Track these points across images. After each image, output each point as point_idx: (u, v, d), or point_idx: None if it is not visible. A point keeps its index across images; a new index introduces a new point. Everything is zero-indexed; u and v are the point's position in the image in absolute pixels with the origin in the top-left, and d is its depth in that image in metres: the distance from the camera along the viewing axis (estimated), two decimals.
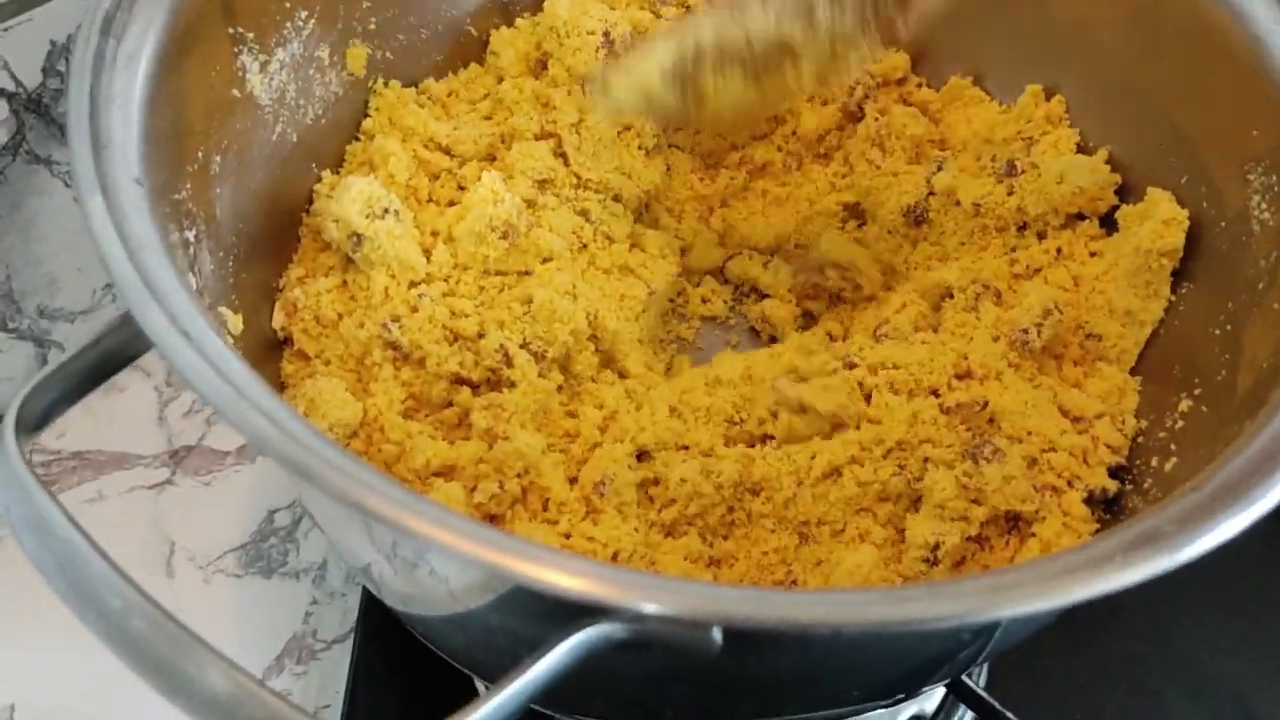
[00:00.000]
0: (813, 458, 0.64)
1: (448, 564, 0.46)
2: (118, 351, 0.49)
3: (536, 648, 0.41)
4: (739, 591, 0.40)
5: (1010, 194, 0.72)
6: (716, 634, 0.40)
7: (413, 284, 0.68)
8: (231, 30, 0.62)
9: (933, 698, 0.72)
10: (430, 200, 0.73)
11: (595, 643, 0.41)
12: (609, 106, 0.68)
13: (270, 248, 0.68)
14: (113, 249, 0.46)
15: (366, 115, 0.74)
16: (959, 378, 0.67)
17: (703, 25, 0.65)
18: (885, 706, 0.61)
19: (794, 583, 0.61)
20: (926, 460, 0.63)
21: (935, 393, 0.66)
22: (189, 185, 0.58)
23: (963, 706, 0.70)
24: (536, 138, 0.74)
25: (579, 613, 0.40)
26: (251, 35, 0.64)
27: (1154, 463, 0.62)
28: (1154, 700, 0.75)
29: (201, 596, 0.77)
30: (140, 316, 0.44)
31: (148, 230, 0.48)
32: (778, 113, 0.79)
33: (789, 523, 0.63)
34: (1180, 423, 0.61)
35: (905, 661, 0.53)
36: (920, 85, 0.81)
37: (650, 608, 0.39)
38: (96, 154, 0.49)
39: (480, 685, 0.69)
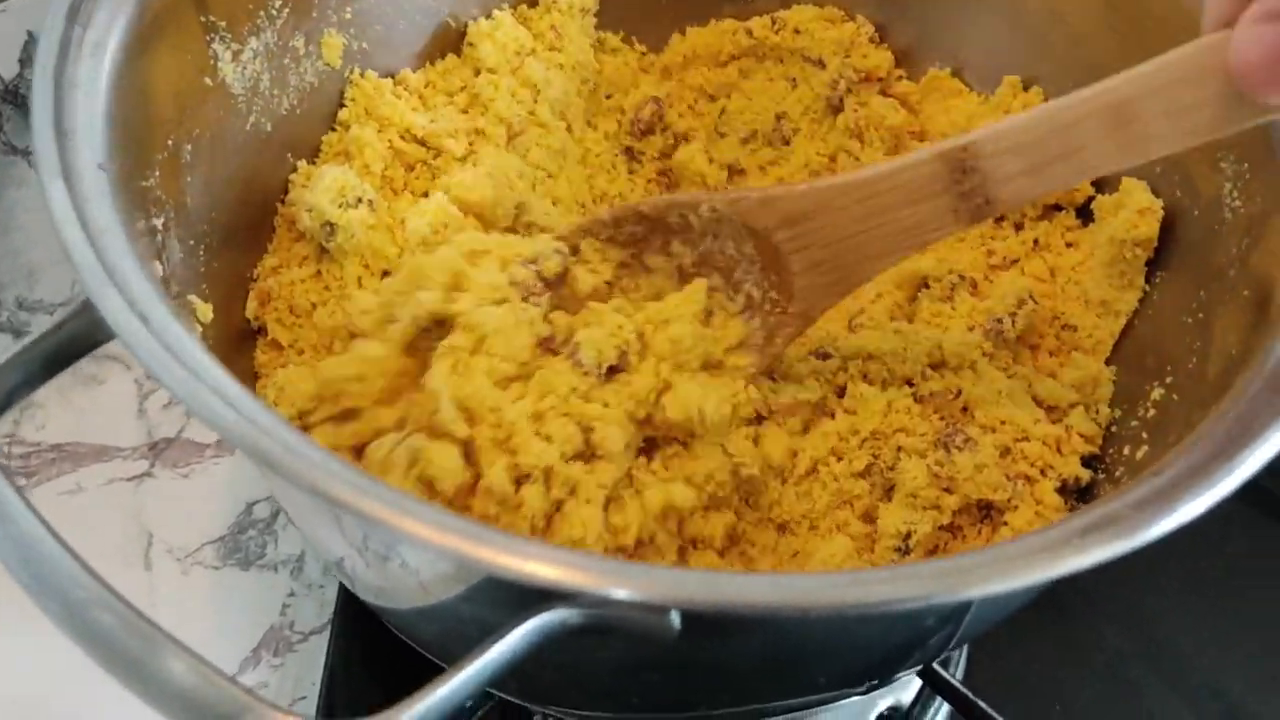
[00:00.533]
0: (794, 456, 0.64)
1: (415, 554, 0.46)
2: (81, 337, 0.49)
3: (500, 630, 0.41)
4: (692, 574, 0.40)
5: None
6: (674, 618, 0.40)
7: (385, 273, 0.68)
8: (203, 18, 0.62)
9: (909, 689, 0.72)
10: (406, 190, 0.73)
11: (551, 627, 0.40)
12: None
13: (244, 237, 0.68)
14: (72, 233, 0.46)
15: (342, 105, 0.74)
16: (933, 367, 0.66)
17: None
18: (859, 694, 0.61)
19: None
20: (899, 449, 0.63)
21: (910, 382, 0.66)
22: (158, 173, 0.58)
23: (939, 698, 0.70)
24: (510, 136, 0.74)
25: (537, 598, 0.40)
26: (223, 24, 0.64)
27: (1126, 451, 0.62)
28: (1132, 690, 0.75)
29: (180, 588, 0.77)
30: (98, 300, 0.44)
31: (109, 216, 0.48)
32: None
33: (770, 521, 0.63)
34: (1152, 411, 0.61)
35: (872, 647, 0.53)
36: (900, 78, 0.81)
37: (603, 591, 0.39)
38: (60, 139, 0.49)
39: None
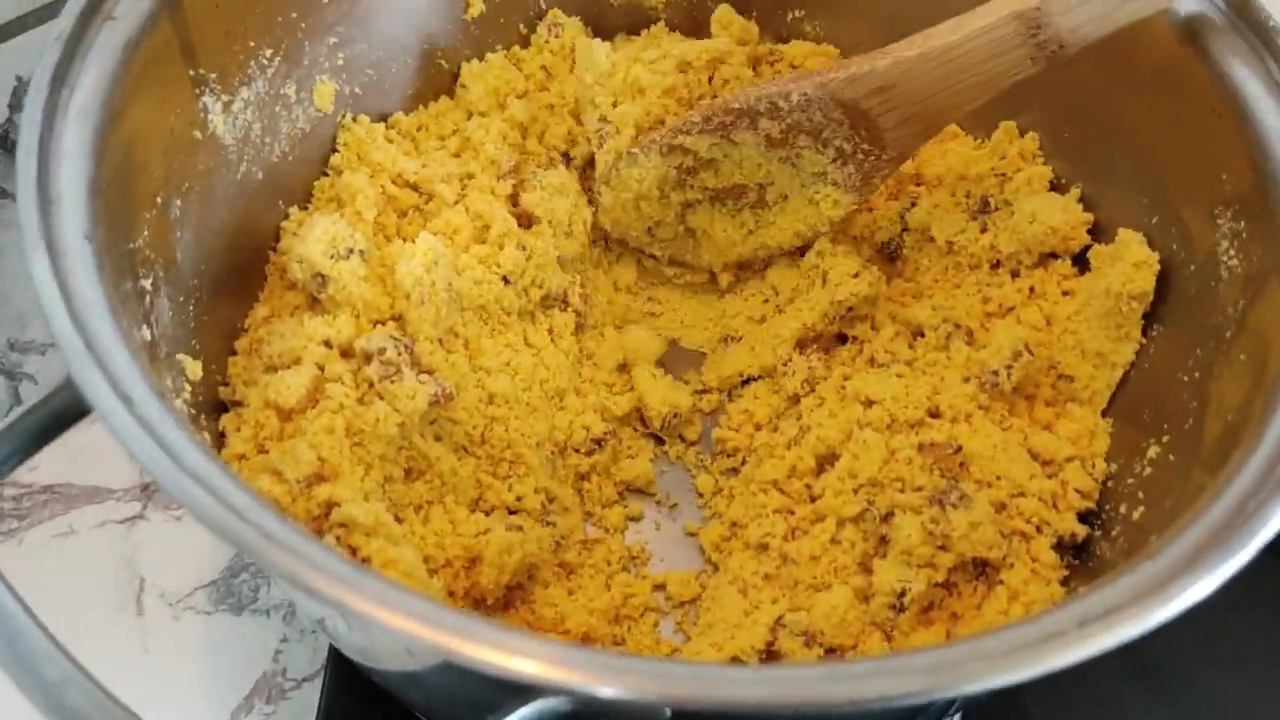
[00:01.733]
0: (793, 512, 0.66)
1: (403, 642, 0.46)
2: (68, 409, 0.48)
3: (493, 709, 0.41)
4: (681, 669, 0.39)
5: (984, 231, 0.71)
6: (666, 710, 0.40)
7: (377, 323, 0.67)
8: (192, 72, 0.62)
9: None
10: (398, 236, 0.72)
11: (542, 715, 0.40)
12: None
13: (235, 286, 0.68)
14: (56, 310, 0.45)
15: (335, 150, 0.74)
16: (931, 415, 0.66)
17: (694, 143, 0.71)
18: None
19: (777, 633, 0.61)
20: (894, 503, 0.62)
21: (913, 427, 0.66)
22: (146, 232, 0.57)
23: None
24: (499, 178, 0.73)
25: (529, 687, 0.40)
26: (214, 76, 0.63)
27: (1122, 510, 0.61)
28: (1124, 706, 0.74)
29: (172, 634, 0.77)
30: (80, 380, 0.44)
31: (95, 288, 0.48)
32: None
33: (774, 561, 0.64)
34: (1149, 470, 0.61)
35: None
36: None
37: (593, 690, 0.38)
38: (44, 210, 0.49)
39: None
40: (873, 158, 0.70)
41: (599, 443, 0.71)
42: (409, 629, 0.39)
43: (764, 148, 0.71)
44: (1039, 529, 0.62)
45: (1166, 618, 0.41)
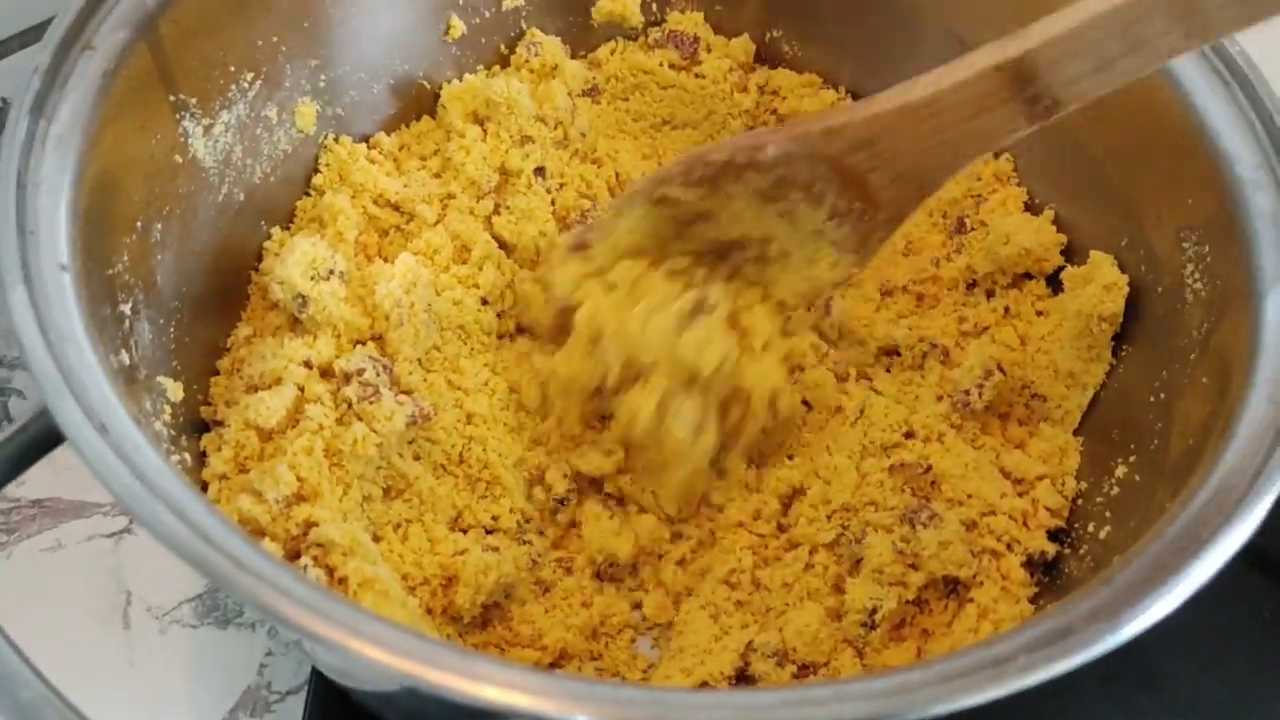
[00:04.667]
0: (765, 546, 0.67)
1: (370, 669, 0.47)
2: (44, 437, 0.49)
3: None
4: (646, 694, 0.40)
5: (959, 251, 0.72)
6: None
7: (358, 343, 0.68)
8: (172, 98, 0.62)
9: None
10: (379, 256, 0.73)
11: None
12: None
13: (217, 308, 0.68)
14: (33, 342, 0.46)
15: (317, 170, 0.74)
16: (906, 436, 0.67)
17: (680, 193, 0.66)
18: None
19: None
20: (867, 524, 0.63)
21: (886, 450, 0.66)
22: (126, 257, 0.58)
23: None
24: (479, 198, 0.74)
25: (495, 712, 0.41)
26: (194, 100, 0.64)
27: (1090, 528, 0.62)
28: (1109, 709, 0.75)
29: (157, 647, 0.77)
30: (56, 410, 0.45)
31: (71, 320, 0.48)
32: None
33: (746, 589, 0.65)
34: (1116, 489, 0.61)
35: None
36: None
37: (561, 717, 0.39)
38: (22, 241, 0.49)
39: None
40: (868, 217, 0.63)
41: (562, 502, 0.70)
42: (375, 656, 0.40)
43: (756, 201, 0.65)
44: (1009, 547, 0.63)
45: (1119, 642, 0.42)
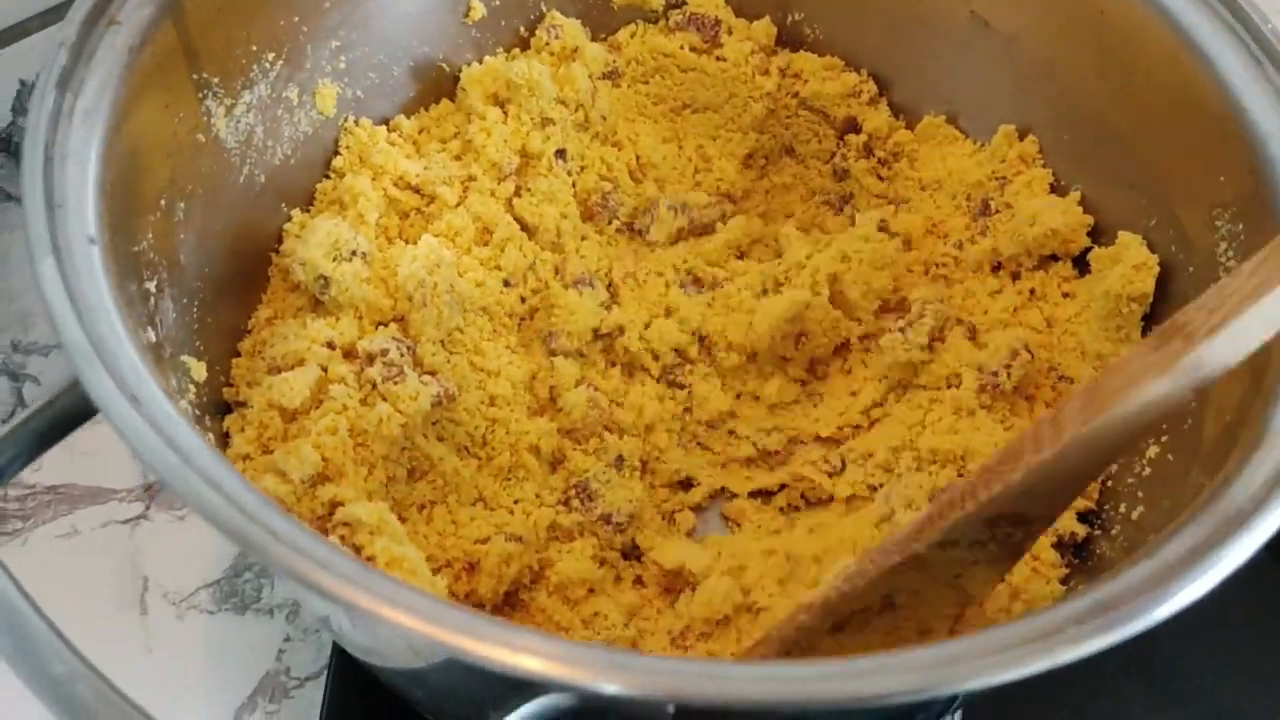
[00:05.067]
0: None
1: (409, 639, 0.46)
2: (73, 411, 0.49)
3: (498, 707, 0.41)
4: (691, 667, 0.39)
5: (984, 234, 0.72)
6: (669, 705, 0.40)
7: (380, 324, 0.67)
8: (195, 76, 0.62)
9: None
10: (400, 238, 0.72)
11: (546, 711, 0.41)
12: None
13: (238, 289, 0.68)
14: (63, 313, 0.46)
15: (337, 153, 0.74)
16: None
17: None
18: None
19: None
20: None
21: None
22: (150, 235, 0.57)
23: None
24: (500, 180, 0.74)
25: (533, 684, 0.40)
26: (216, 80, 0.64)
27: (1122, 509, 0.61)
28: (1126, 705, 0.74)
29: (175, 633, 0.77)
30: (88, 382, 0.44)
31: (101, 291, 0.48)
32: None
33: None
34: (1148, 470, 0.61)
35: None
36: (896, 123, 0.81)
37: (600, 686, 0.39)
38: (50, 214, 0.49)
39: None
40: (1020, 532, 0.53)
41: (583, 487, 0.69)
42: (414, 626, 0.39)
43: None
44: None
45: (1164, 616, 0.41)
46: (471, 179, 0.74)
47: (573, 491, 0.68)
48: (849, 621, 0.56)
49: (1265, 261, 0.46)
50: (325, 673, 0.75)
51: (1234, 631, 0.77)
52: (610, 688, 0.39)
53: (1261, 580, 0.78)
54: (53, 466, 0.83)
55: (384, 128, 0.75)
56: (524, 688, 0.41)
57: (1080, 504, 0.63)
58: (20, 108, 0.74)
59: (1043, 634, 0.41)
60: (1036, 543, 0.61)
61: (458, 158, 0.75)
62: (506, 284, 0.71)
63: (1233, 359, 0.46)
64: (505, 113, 0.76)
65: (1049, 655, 0.40)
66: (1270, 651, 0.77)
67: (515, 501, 0.67)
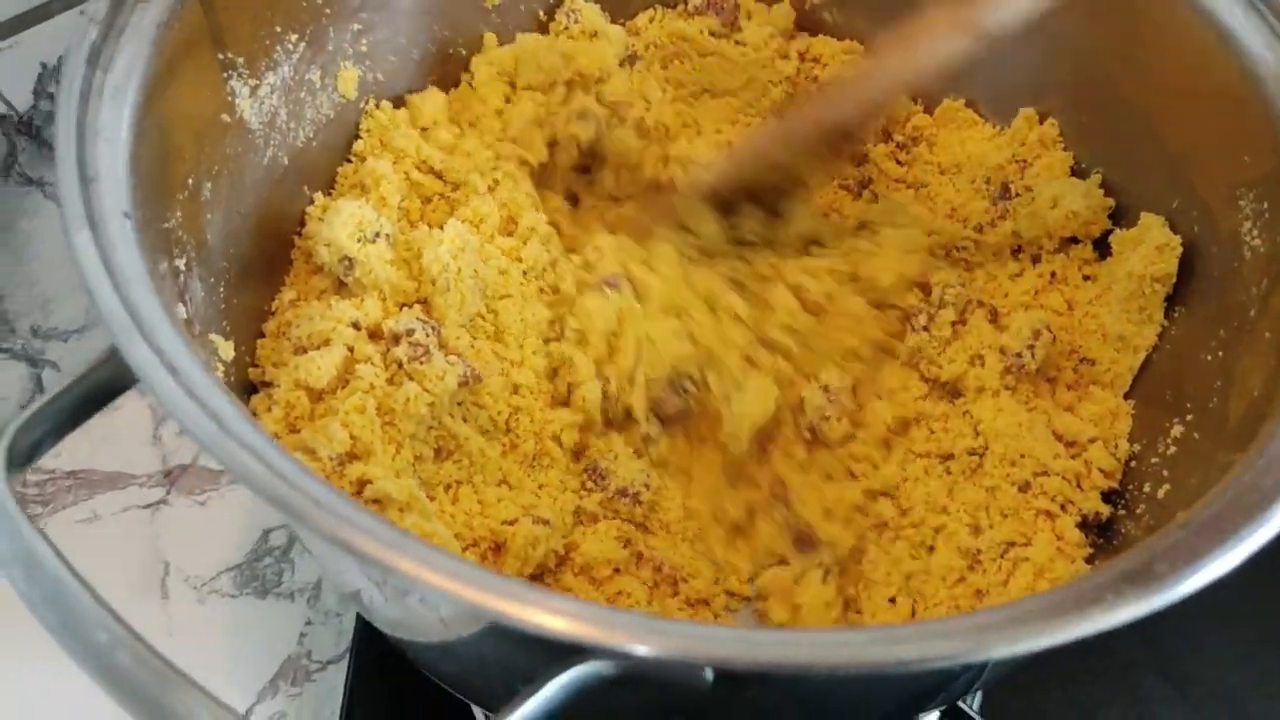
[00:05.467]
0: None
1: (452, 605, 0.46)
2: (106, 384, 0.49)
3: (530, 679, 0.41)
4: (729, 632, 0.39)
5: (1004, 218, 0.72)
6: (708, 672, 0.40)
7: (404, 305, 0.68)
8: (221, 56, 0.62)
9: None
10: (423, 221, 0.72)
11: (587, 679, 0.41)
12: None
13: (262, 271, 0.68)
14: (100, 284, 0.46)
15: (358, 137, 0.74)
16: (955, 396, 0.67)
17: None
18: None
19: None
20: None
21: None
22: (179, 213, 0.58)
23: None
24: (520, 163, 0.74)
25: (570, 650, 0.40)
26: (241, 60, 0.64)
27: (1146, 488, 0.62)
28: (1149, 710, 0.75)
29: (196, 617, 0.77)
30: (127, 352, 0.44)
31: (135, 263, 0.48)
32: None
33: None
34: (1173, 448, 0.61)
35: (900, 693, 0.53)
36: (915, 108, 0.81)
37: (639, 649, 0.39)
38: (84, 188, 0.49)
39: (476, 710, 0.69)
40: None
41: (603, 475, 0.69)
42: (456, 590, 0.39)
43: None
44: (1063, 507, 0.62)
45: (1196, 587, 0.42)
46: (497, 162, 0.74)
47: (586, 475, 0.68)
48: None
49: None
50: (347, 656, 0.75)
51: (1249, 627, 0.78)
52: (650, 650, 0.39)
53: (1277, 576, 0.79)
54: (73, 452, 0.84)
55: (404, 111, 0.75)
56: (560, 656, 0.41)
57: (1103, 484, 0.63)
58: (42, 90, 0.74)
59: (1082, 600, 0.41)
60: (1060, 521, 0.62)
61: (488, 147, 0.75)
62: (526, 275, 0.71)
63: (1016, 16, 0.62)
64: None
65: (1088, 621, 0.40)
66: (1273, 651, 0.77)
67: (540, 486, 0.67)
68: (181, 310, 0.54)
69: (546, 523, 0.64)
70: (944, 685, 0.53)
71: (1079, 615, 0.40)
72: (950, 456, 0.66)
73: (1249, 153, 0.60)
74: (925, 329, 0.69)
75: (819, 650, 0.39)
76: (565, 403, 0.69)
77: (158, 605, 0.78)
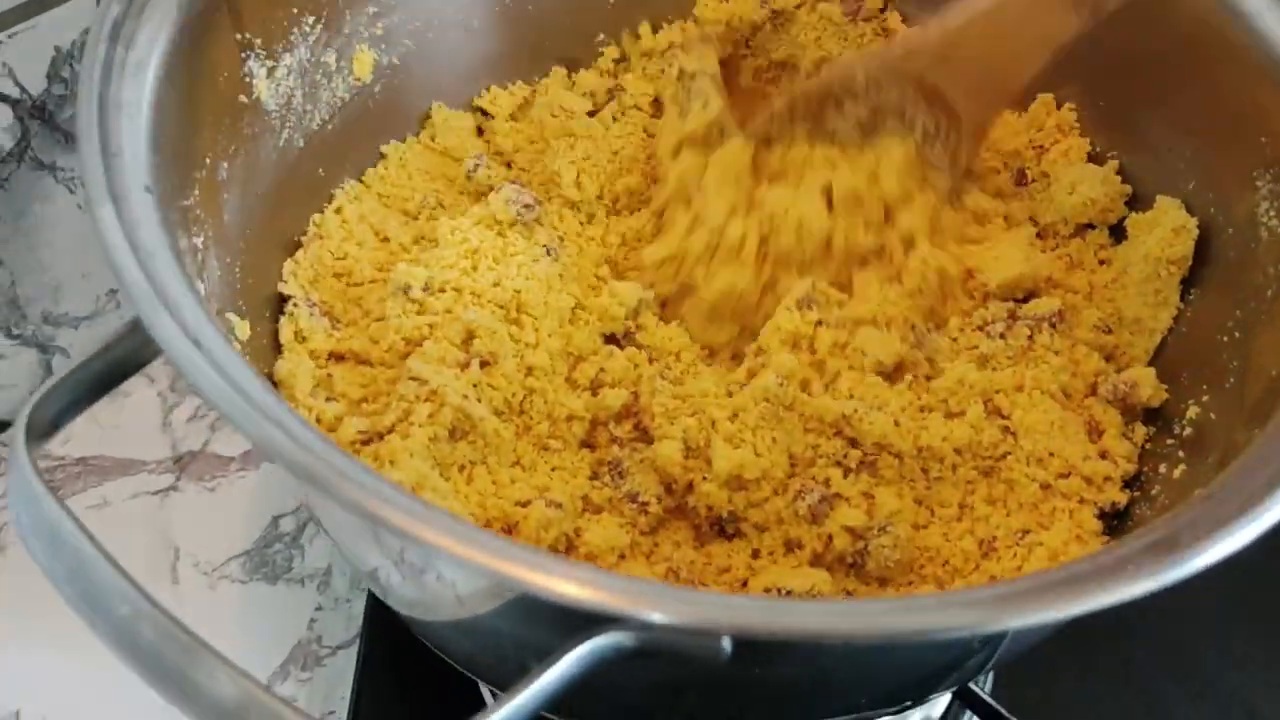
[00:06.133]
0: None
1: (456, 570, 0.46)
2: (126, 359, 0.49)
3: (544, 655, 0.41)
4: (749, 601, 0.40)
5: (1020, 202, 0.72)
6: (726, 643, 0.40)
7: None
8: (239, 36, 0.62)
9: (939, 703, 0.72)
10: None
11: (604, 651, 0.40)
12: None
13: (276, 254, 0.68)
14: (124, 257, 0.46)
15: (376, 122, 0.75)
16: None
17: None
18: (893, 713, 0.61)
19: None
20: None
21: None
22: (197, 191, 0.58)
23: (969, 712, 0.70)
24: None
25: (587, 621, 0.40)
26: (259, 41, 0.64)
27: (1162, 470, 0.61)
28: (1159, 704, 0.75)
29: (206, 603, 0.77)
30: (151, 324, 0.44)
31: (157, 238, 0.48)
32: None
33: None
34: (1189, 430, 0.61)
35: (914, 670, 0.53)
36: None
37: (660, 617, 0.39)
38: (106, 162, 0.49)
39: (486, 691, 0.69)
40: (954, 133, 0.69)
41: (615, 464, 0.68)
42: (479, 559, 0.39)
43: (857, 134, 0.69)
44: (1081, 500, 0.62)
45: (1223, 555, 0.41)
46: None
47: (605, 468, 0.68)
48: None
49: None
50: (357, 641, 0.76)
51: (1261, 624, 0.78)
52: (669, 618, 0.39)
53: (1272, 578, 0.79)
54: (83, 438, 0.84)
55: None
56: (578, 628, 0.41)
57: (1123, 469, 0.63)
58: (55, 75, 0.74)
59: (1105, 569, 0.41)
60: (1079, 514, 0.61)
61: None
62: (548, 252, 0.71)
63: None
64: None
65: (1113, 590, 0.40)
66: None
67: (553, 469, 0.67)
68: (201, 287, 0.54)
69: (559, 506, 0.63)
70: (959, 661, 0.53)
71: (1099, 587, 0.40)
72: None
73: (1265, 134, 0.60)
74: (1002, 337, 0.67)
75: (839, 619, 0.39)
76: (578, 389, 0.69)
77: (168, 591, 0.78)
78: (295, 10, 0.67)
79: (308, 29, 0.68)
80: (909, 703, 0.61)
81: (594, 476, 0.66)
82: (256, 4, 0.63)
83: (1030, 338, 0.65)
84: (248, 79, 0.64)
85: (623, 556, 0.65)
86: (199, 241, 0.57)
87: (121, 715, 0.70)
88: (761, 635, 0.39)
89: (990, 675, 0.73)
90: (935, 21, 0.66)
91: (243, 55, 0.63)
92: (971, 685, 0.66)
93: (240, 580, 0.79)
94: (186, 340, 0.44)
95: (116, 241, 0.46)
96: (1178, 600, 0.75)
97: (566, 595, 0.39)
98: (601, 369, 0.67)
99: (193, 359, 0.43)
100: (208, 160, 0.60)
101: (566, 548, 0.65)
